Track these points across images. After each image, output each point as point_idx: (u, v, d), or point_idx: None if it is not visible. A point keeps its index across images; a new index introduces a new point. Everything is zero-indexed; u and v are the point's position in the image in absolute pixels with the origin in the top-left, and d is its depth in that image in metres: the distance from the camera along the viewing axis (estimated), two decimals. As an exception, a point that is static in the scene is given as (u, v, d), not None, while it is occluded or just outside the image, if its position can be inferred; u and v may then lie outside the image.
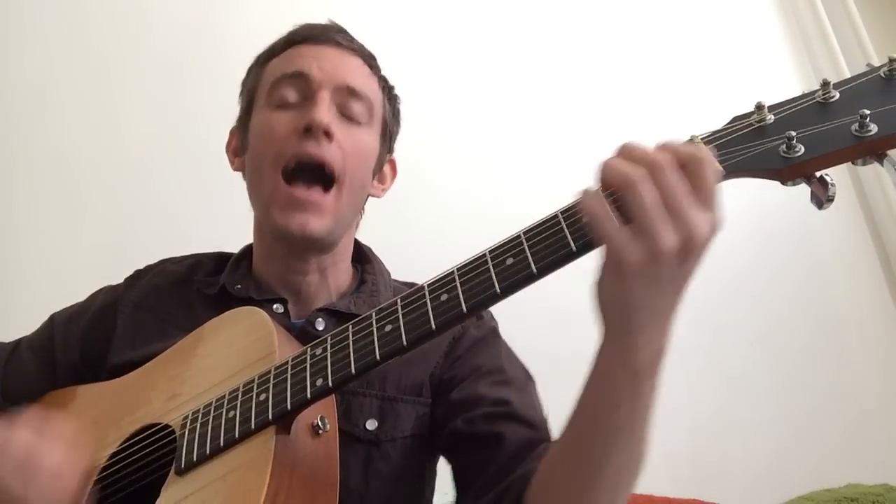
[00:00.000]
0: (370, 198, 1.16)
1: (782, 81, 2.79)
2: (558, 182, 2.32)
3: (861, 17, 2.82)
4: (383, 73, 1.15)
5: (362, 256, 1.17)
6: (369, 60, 1.11)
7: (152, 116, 2.00)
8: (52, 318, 1.14)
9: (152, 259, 1.20)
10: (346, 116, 1.04)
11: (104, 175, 1.91)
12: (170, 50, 2.06)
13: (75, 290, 1.18)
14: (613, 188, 0.63)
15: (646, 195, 0.60)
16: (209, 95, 1.95)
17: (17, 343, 1.13)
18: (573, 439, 0.76)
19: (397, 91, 1.18)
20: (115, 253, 1.79)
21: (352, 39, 1.11)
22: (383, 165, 1.14)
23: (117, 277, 1.17)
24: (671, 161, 0.61)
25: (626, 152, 0.63)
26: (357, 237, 1.19)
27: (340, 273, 1.11)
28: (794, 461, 2.23)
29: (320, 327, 1.02)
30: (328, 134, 0.99)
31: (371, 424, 0.97)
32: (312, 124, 0.99)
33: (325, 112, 1.00)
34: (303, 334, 0.99)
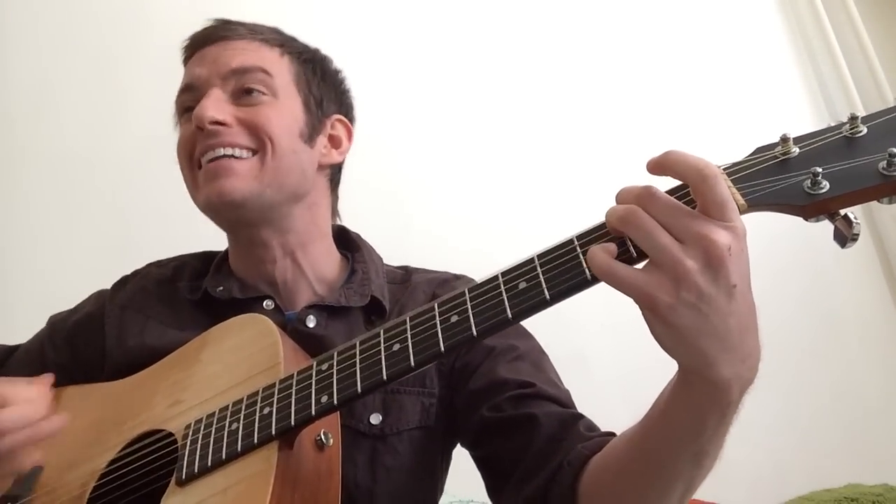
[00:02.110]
0: (333, 168, 1.14)
1: (782, 82, 2.78)
2: (558, 180, 2.34)
3: (861, 18, 2.80)
4: (288, 38, 1.12)
5: (350, 244, 1.16)
6: (261, 35, 1.09)
7: (152, 116, 1.97)
8: (49, 320, 1.15)
9: (152, 258, 1.20)
10: (243, 94, 1.03)
11: (104, 175, 1.91)
12: (169, 50, 2.03)
13: (75, 289, 1.18)
14: (619, 233, 0.63)
15: (644, 225, 0.60)
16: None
17: (15, 349, 1.14)
18: (648, 455, 0.74)
19: (328, 54, 1.16)
20: (115, 252, 1.78)
21: (238, 26, 1.09)
22: (319, 131, 1.10)
23: (117, 277, 1.17)
24: (655, 191, 0.62)
25: (619, 197, 0.64)
26: (355, 232, 1.19)
27: (316, 259, 1.09)
28: (794, 461, 2.24)
29: (311, 324, 1.01)
30: (220, 123, 1.00)
31: (375, 418, 0.96)
32: (198, 123, 0.99)
33: (206, 106, 0.99)
34: (295, 333, 0.98)
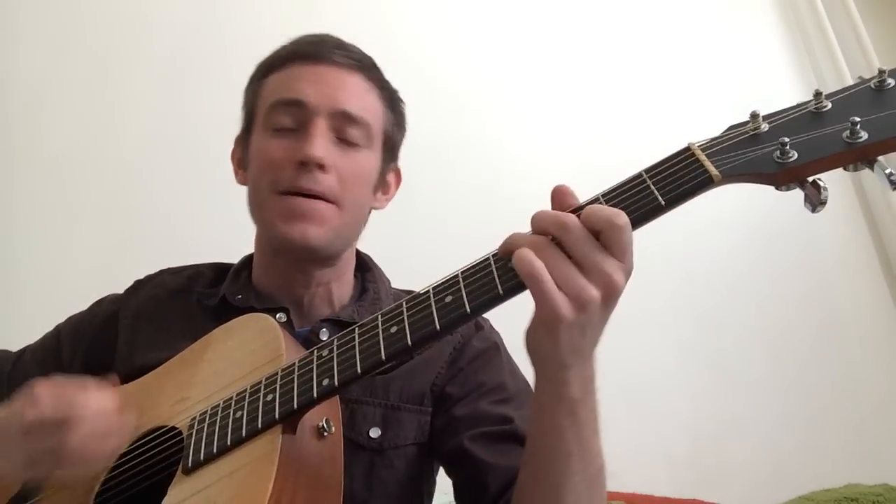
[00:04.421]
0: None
1: (782, 82, 2.82)
2: (556, 180, 2.35)
3: (861, 17, 2.84)
4: (385, 78, 1.13)
5: (362, 265, 1.18)
6: (369, 72, 1.10)
7: (151, 119, 2.01)
8: (58, 327, 1.15)
9: (151, 262, 1.21)
10: (343, 140, 1.04)
11: (103, 178, 1.93)
12: (169, 53, 2.07)
13: (75, 292, 1.19)
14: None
15: (554, 255, 0.67)
16: (208, 98, 1.97)
17: (22, 352, 1.15)
18: (532, 468, 0.82)
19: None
20: (115, 255, 1.80)
21: (350, 52, 1.09)
22: (383, 181, 1.13)
23: (117, 280, 1.18)
24: (571, 223, 0.67)
25: (534, 220, 0.70)
26: (366, 253, 1.21)
27: (343, 286, 1.12)
28: (794, 461, 2.25)
29: (324, 337, 1.03)
30: (322, 167, 1.00)
31: (374, 433, 0.98)
32: (306, 159, 0.99)
33: (319, 146, 1.00)
34: (307, 344, 0.99)
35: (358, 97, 1.06)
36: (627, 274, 0.68)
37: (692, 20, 2.78)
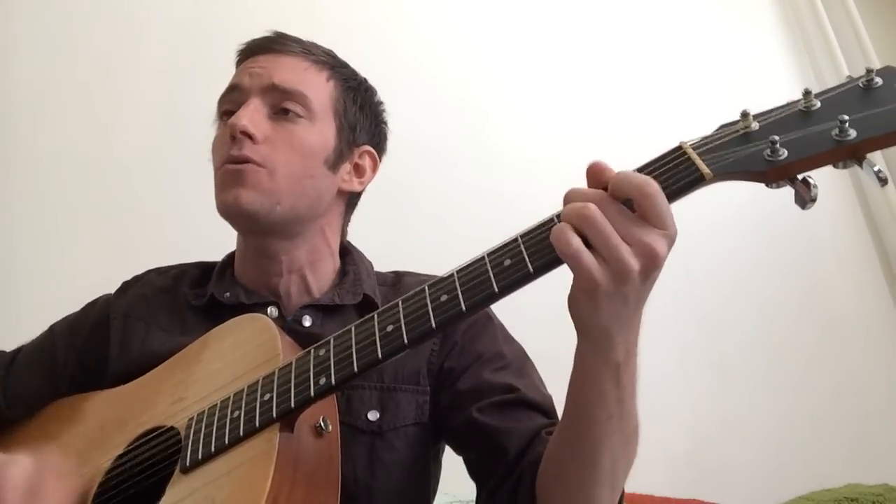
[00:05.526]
0: (352, 194, 1.16)
1: (782, 81, 2.82)
2: (556, 181, 2.35)
3: (861, 17, 2.84)
4: (343, 64, 1.15)
5: (342, 250, 1.18)
6: (313, 57, 1.11)
7: (150, 118, 2.01)
8: (52, 328, 1.16)
9: (150, 260, 1.22)
10: (281, 115, 1.05)
11: (102, 177, 1.93)
12: (168, 51, 2.08)
13: (74, 291, 1.19)
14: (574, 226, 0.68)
15: (602, 225, 0.66)
16: (208, 97, 1.98)
17: (17, 352, 1.15)
18: (571, 431, 0.81)
19: (376, 86, 1.19)
20: (114, 254, 1.81)
21: (293, 42, 1.12)
22: (346, 158, 1.12)
23: (115, 279, 1.19)
24: (608, 196, 0.67)
25: (570, 196, 0.70)
26: (354, 236, 1.21)
27: (321, 276, 1.12)
28: (794, 461, 2.25)
29: (307, 323, 1.04)
30: (248, 136, 1.02)
31: (373, 415, 0.99)
32: (232, 130, 1.02)
33: (243, 115, 1.02)
34: (292, 333, 1.00)
35: (292, 72, 1.08)
36: (671, 241, 0.67)
37: (692, 19, 2.79)
